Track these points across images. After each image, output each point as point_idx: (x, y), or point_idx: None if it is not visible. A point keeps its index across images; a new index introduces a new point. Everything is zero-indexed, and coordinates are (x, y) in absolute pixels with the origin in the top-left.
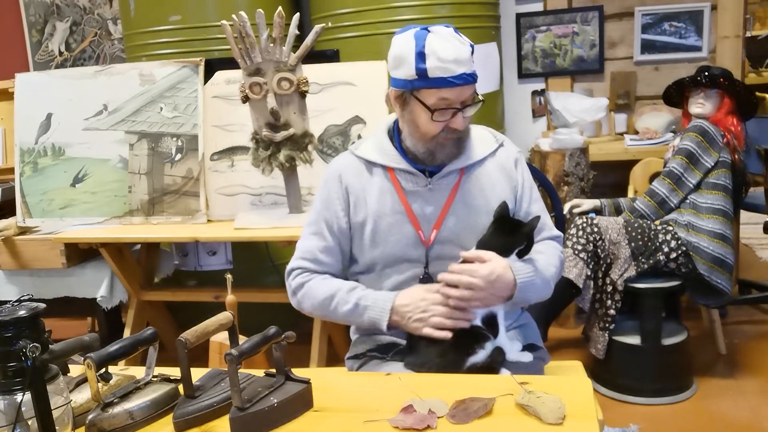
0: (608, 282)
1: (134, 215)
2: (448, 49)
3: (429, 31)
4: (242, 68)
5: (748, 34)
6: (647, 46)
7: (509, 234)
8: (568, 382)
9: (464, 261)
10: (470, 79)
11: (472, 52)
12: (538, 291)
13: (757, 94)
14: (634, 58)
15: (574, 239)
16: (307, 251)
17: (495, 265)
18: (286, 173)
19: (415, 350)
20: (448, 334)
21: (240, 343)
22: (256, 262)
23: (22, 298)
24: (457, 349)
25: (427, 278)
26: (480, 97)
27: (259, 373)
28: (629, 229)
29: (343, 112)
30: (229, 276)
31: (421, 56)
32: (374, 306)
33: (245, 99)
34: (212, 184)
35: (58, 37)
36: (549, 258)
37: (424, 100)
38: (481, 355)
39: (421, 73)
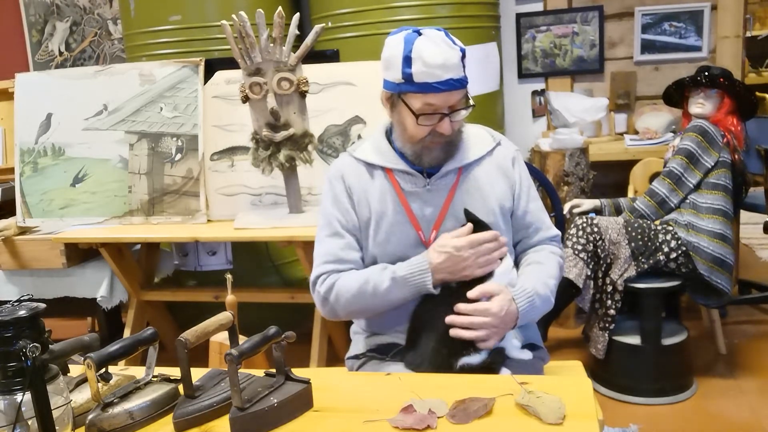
0: (608, 282)
1: (134, 215)
2: (435, 54)
3: (420, 34)
4: (242, 68)
5: (748, 34)
6: (647, 46)
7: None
8: (568, 382)
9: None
10: (457, 84)
11: (464, 57)
12: (538, 311)
13: (757, 94)
14: (634, 58)
15: (574, 239)
16: (329, 254)
17: (503, 298)
18: (286, 173)
19: (414, 348)
20: (496, 265)
21: (240, 343)
22: (256, 262)
23: (22, 298)
24: (452, 348)
25: None
26: (471, 102)
27: (259, 373)
28: (629, 229)
29: (343, 112)
30: (229, 276)
31: (407, 60)
32: (412, 273)
33: (245, 99)
34: (212, 184)
35: (58, 37)
36: (549, 270)
37: (410, 104)
38: (475, 357)
39: (407, 77)
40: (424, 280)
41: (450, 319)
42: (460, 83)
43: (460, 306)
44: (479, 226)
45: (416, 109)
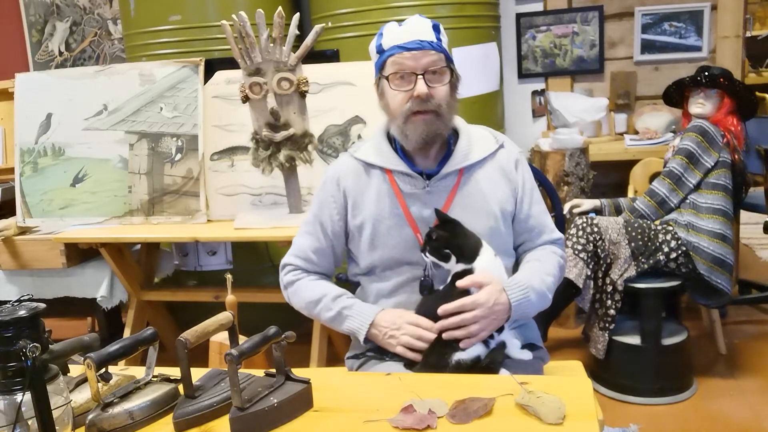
0: (608, 282)
1: (134, 215)
2: (403, 24)
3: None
4: (242, 68)
5: (748, 34)
6: (647, 46)
7: (464, 236)
8: (568, 382)
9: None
10: (427, 45)
11: (437, 30)
12: (534, 306)
13: (757, 94)
14: (634, 58)
15: (574, 239)
16: (301, 249)
17: (492, 289)
18: (286, 173)
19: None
20: (417, 356)
21: (240, 343)
22: (256, 262)
23: (22, 298)
24: (445, 345)
25: (426, 280)
26: (452, 67)
27: (259, 373)
28: (629, 229)
29: (343, 112)
30: (229, 276)
31: (379, 36)
32: (354, 317)
33: (245, 99)
34: (212, 184)
35: (58, 37)
36: (546, 267)
37: (385, 74)
38: (469, 353)
39: (379, 48)
40: (360, 330)
41: (440, 324)
42: (431, 45)
43: (446, 306)
44: (452, 224)
45: (389, 73)
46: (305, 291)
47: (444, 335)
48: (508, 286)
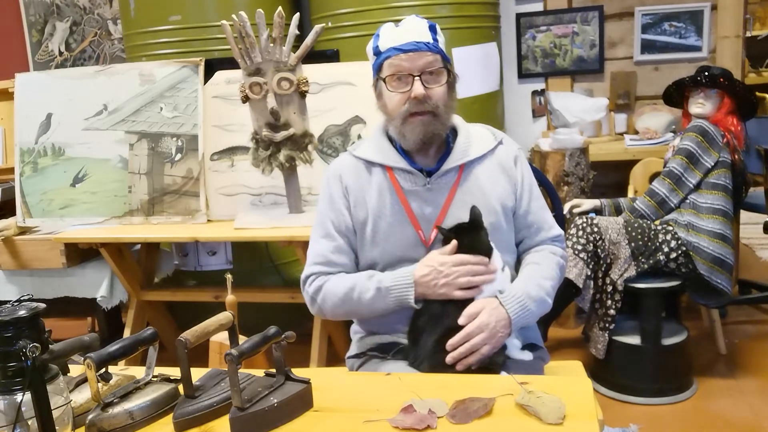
0: (608, 282)
1: (134, 215)
2: (399, 25)
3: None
4: (242, 68)
5: (748, 34)
6: (647, 46)
7: (471, 242)
8: (568, 382)
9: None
10: (423, 46)
11: (433, 30)
12: (533, 314)
13: (757, 94)
14: (634, 58)
15: (574, 239)
16: (319, 255)
17: (490, 309)
18: (286, 173)
19: (415, 347)
20: (477, 292)
21: (240, 343)
22: (256, 262)
23: (22, 298)
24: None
25: None
26: (448, 67)
27: (259, 373)
28: (629, 229)
29: (343, 112)
30: (229, 276)
31: (376, 37)
32: (396, 285)
33: (245, 99)
34: (212, 184)
35: (58, 37)
36: (544, 270)
37: (382, 76)
38: (474, 357)
39: (376, 50)
40: (407, 294)
41: (451, 357)
42: (427, 46)
43: (453, 341)
44: (467, 229)
45: (386, 75)
46: (336, 287)
47: (458, 366)
48: (504, 300)
